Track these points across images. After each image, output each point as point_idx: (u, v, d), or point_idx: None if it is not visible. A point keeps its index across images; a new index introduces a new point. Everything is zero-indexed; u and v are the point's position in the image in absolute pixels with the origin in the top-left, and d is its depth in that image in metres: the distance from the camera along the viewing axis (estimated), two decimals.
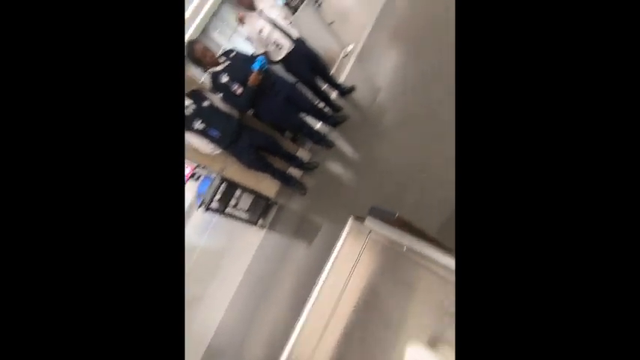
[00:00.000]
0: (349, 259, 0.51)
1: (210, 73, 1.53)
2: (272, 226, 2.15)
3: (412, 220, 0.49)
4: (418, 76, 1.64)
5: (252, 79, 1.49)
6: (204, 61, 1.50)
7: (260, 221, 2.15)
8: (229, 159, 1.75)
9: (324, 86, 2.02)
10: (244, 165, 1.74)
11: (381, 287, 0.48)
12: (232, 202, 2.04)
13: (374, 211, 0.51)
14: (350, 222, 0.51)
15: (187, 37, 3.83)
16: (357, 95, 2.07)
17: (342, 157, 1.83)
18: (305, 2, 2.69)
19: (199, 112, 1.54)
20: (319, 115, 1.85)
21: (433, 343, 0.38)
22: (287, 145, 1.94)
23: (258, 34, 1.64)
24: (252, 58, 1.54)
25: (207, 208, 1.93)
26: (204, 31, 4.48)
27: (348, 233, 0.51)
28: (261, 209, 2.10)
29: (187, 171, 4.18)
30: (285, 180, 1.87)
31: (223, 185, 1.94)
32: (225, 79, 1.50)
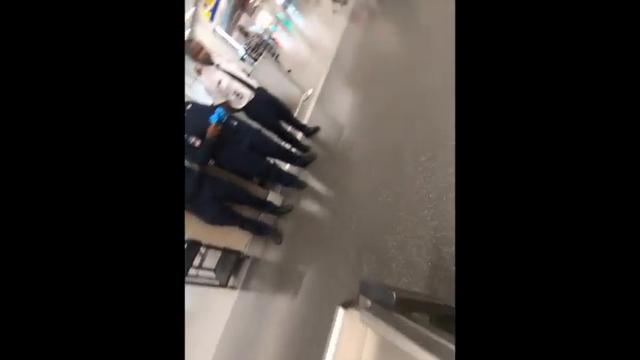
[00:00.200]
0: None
1: None
2: (246, 284, 1.87)
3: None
4: (375, 113, 1.77)
5: (211, 131, 1.42)
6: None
7: (231, 281, 1.86)
8: (188, 216, 1.55)
9: (289, 128, 2.04)
10: (207, 221, 1.55)
11: None
12: (196, 261, 1.75)
13: (366, 290, 0.41)
14: (340, 315, 0.39)
15: None
16: (322, 135, 2.13)
17: (315, 196, 1.77)
18: (263, 55, 2.89)
19: None
20: (287, 157, 1.82)
21: None
22: (256, 191, 1.82)
23: (217, 86, 1.64)
24: (210, 110, 1.49)
25: None
26: None
27: (340, 331, 0.39)
28: (231, 266, 1.84)
29: None
30: (257, 229, 1.70)
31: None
32: None
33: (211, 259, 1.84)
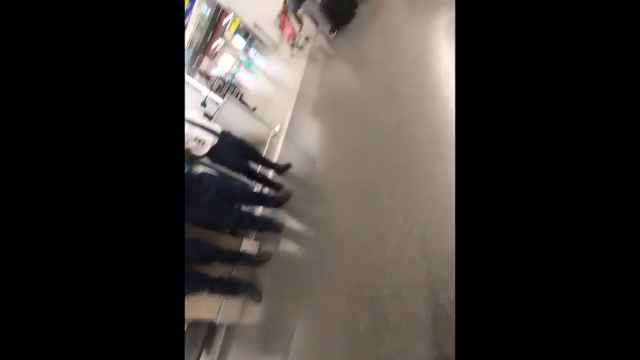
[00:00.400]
0: None
1: None
2: (223, 357, 1.55)
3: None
4: (345, 146, 1.79)
5: None
6: None
7: (203, 357, 1.53)
8: None
9: (259, 168, 1.96)
10: None
11: None
12: None
13: None
14: None
15: None
16: (294, 170, 2.08)
17: (295, 238, 1.63)
18: (226, 97, 2.88)
19: None
20: (259, 200, 1.69)
21: None
22: (227, 242, 1.62)
23: None
24: None
25: None
26: None
27: None
28: (201, 339, 1.52)
29: None
30: (231, 289, 1.47)
31: None
32: None
33: None
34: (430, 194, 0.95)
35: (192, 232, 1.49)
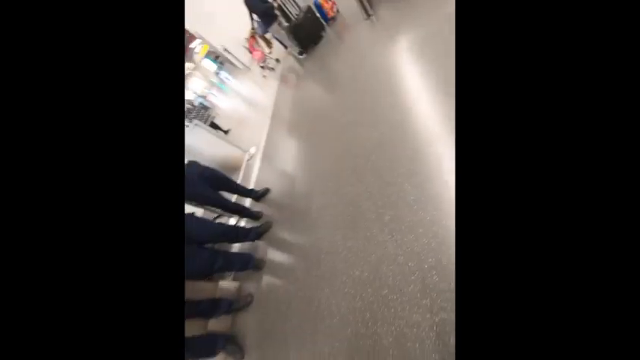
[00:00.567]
0: None
1: None
2: None
3: None
4: (324, 167, 1.72)
5: None
6: None
7: None
8: None
9: (234, 198, 1.79)
10: None
11: None
12: None
13: None
14: None
15: None
16: (274, 195, 1.94)
17: (279, 274, 1.46)
18: (194, 122, 2.71)
19: None
20: (234, 236, 1.51)
21: None
22: (199, 289, 1.39)
23: None
24: None
25: None
26: None
27: None
28: None
29: None
30: (207, 351, 1.22)
31: None
32: None
33: None
34: (421, 219, 0.88)
35: None
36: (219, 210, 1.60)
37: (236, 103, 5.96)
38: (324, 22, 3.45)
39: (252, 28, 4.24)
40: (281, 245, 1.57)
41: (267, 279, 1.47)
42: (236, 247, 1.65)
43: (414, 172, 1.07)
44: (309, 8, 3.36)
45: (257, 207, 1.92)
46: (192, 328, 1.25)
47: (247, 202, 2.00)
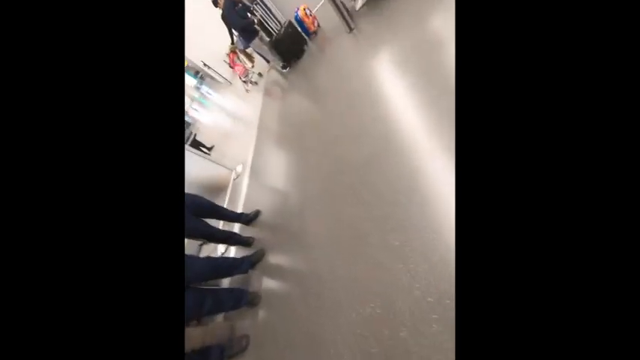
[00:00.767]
0: None
1: None
2: None
3: None
4: (316, 181, 1.63)
5: None
6: None
7: None
8: None
9: (221, 224, 1.63)
10: None
11: None
12: None
13: None
14: None
15: None
16: (265, 216, 1.81)
17: (277, 302, 1.31)
18: None
19: None
20: (226, 271, 1.35)
21: None
22: (186, 337, 1.21)
23: None
24: None
25: None
26: None
27: None
28: None
29: None
30: None
31: None
32: None
33: None
34: (435, 245, 0.80)
35: None
36: (205, 241, 1.43)
37: (219, 118, 5.79)
38: (305, 37, 3.47)
39: (233, 44, 4.18)
40: (277, 273, 1.43)
41: (263, 315, 1.32)
42: (226, 281, 1.48)
43: (414, 188, 1.01)
44: (290, 23, 3.37)
45: (248, 231, 1.77)
46: None
47: (237, 226, 1.84)
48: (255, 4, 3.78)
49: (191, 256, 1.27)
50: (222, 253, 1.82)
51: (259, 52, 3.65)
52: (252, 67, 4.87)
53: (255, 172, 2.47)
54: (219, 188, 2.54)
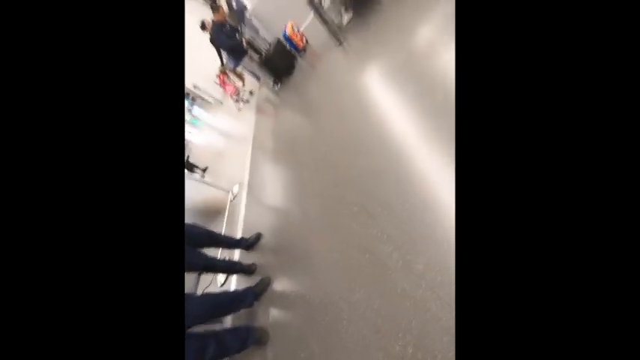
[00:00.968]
0: None
1: None
2: None
3: None
4: (316, 197, 1.54)
5: None
6: None
7: None
8: None
9: (219, 252, 1.52)
10: None
11: None
12: None
13: None
14: None
15: None
16: (267, 239, 1.69)
17: (287, 336, 1.18)
18: None
19: None
20: (228, 307, 1.22)
21: None
22: None
23: None
24: None
25: None
26: None
27: None
28: None
29: None
30: None
31: None
32: None
33: None
34: (449, 268, 0.72)
35: None
36: (202, 273, 1.31)
37: (212, 138, 5.74)
38: (295, 53, 3.51)
39: (222, 65, 4.21)
40: (284, 303, 1.30)
41: (273, 352, 1.18)
42: (229, 318, 1.35)
43: (424, 205, 0.94)
44: (278, 41, 3.41)
45: (249, 257, 1.65)
46: None
47: (237, 253, 1.72)
48: (243, 25, 3.85)
49: (189, 295, 1.14)
50: (222, 284, 1.68)
51: (250, 69, 3.67)
52: (243, 85, 4.90)
53: (252, 192, 2.38)
54: (216, 211, 2.42)
